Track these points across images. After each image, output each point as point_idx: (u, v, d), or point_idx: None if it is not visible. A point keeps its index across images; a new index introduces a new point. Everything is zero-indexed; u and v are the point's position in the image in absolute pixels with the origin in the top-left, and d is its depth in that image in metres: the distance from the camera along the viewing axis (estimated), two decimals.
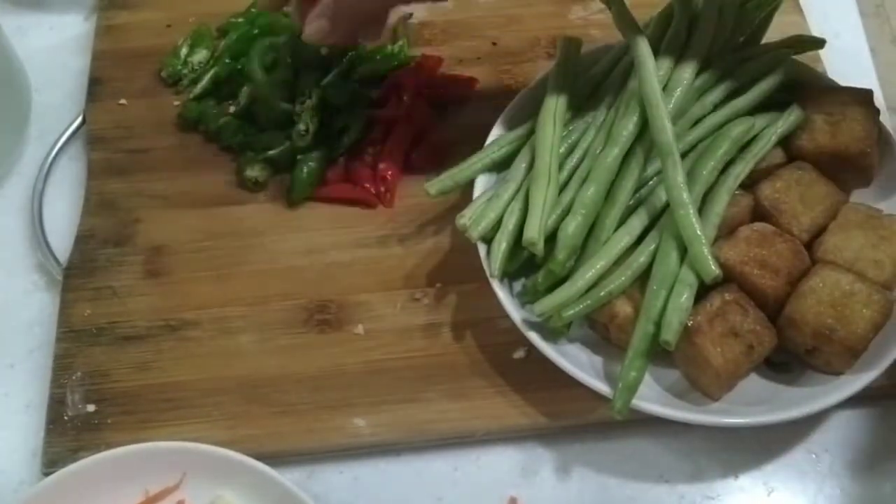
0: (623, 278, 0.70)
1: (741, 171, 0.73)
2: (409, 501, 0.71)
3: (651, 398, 0.68)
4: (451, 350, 0.75)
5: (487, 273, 0.73)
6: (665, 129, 0.71)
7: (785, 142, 0.77)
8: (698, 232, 0.68)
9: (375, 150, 0.85)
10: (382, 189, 0.83)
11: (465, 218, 0.75)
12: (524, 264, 0.74)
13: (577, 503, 0.70)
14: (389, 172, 0.84)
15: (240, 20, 0.94)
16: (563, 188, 0.74)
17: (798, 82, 0.81)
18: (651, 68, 0.73)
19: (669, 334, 0.66)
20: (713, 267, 0.67)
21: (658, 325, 0.67)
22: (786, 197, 0.73)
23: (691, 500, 0.70)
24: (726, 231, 0.72)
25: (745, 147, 0.75)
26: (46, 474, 0.69)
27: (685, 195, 0.69)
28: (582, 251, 0.72)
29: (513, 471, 0.72)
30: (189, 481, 0.68)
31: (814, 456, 0.72)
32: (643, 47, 0.74)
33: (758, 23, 0.83)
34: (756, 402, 0.69)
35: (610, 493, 0.71)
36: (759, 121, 0.76)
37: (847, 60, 0.90)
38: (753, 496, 0.70)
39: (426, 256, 0.80)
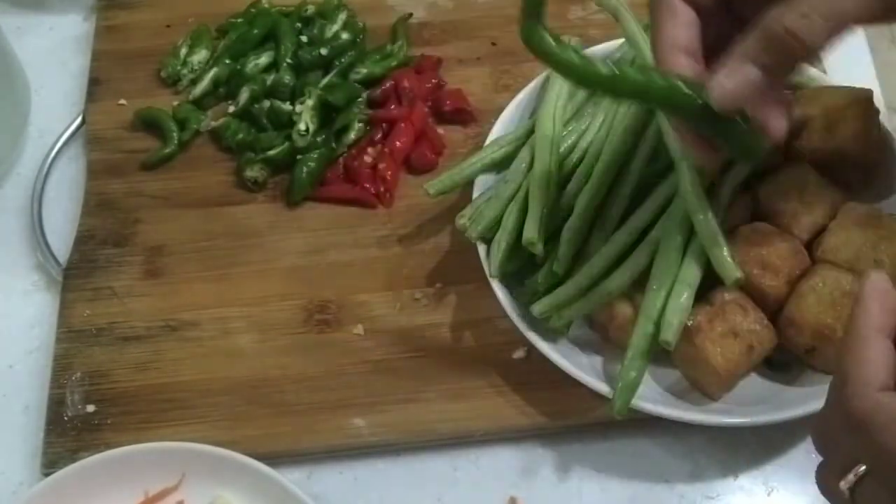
0: (623, 278, 0.70)
1: (740, 170, 0.73)
2: (408, 502, 0.71)
3: (651, 398, 0.68)
4: (451, 350, 0.75)
5: (487, 273, 0.73)
6: None
7: (785, 141, 0.77)
8: (718, 236, 0.68)
9: (375, 150, 0.85)
10: (382, 189, 0.83)
11: (464, 218, 0.75)
12: (524, 264, 0.74)
13: (577, 503, 0.70)
14: (389, 172, 0.84)
15: (239, 20, 0.94)
16: (562, 188, 0.74)
17: (797, 82, 0.81)
18: None
19: (669, 334, 0.66)
20: (735, 270, 0.67)
21: (658, 324, 0.67)
22: (785, 197, 0.73)
23: (691, 500, 0.70)
24: (726, 231, 0.71)
25: None
26: (46, 475, 0.69)
27: (702, 200, 0.69)
28: (581, 251, 0.72)
29: (513, 471, 0.72)
30: (189, 481, 0.68)
31: (814, 456, 0.71)
32: (649, 55, 0.74)
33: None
34: (756, 402, 0.69)
35: (610, 493, 0.71)
36: None
37: (847, 60, 0.90)
38: (753, 496, 0.70)
39: (426, 256, 0.80)
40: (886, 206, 0.75)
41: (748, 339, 0.68)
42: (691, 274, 0.68)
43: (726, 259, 0.67)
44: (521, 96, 0.82)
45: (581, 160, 0.76)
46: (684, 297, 0.67)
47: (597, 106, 0.79)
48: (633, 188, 0.73)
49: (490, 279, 0.72)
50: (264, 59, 0.91)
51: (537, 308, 0.70)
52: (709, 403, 0.69)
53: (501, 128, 0.81)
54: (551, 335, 0.71)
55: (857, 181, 0.77)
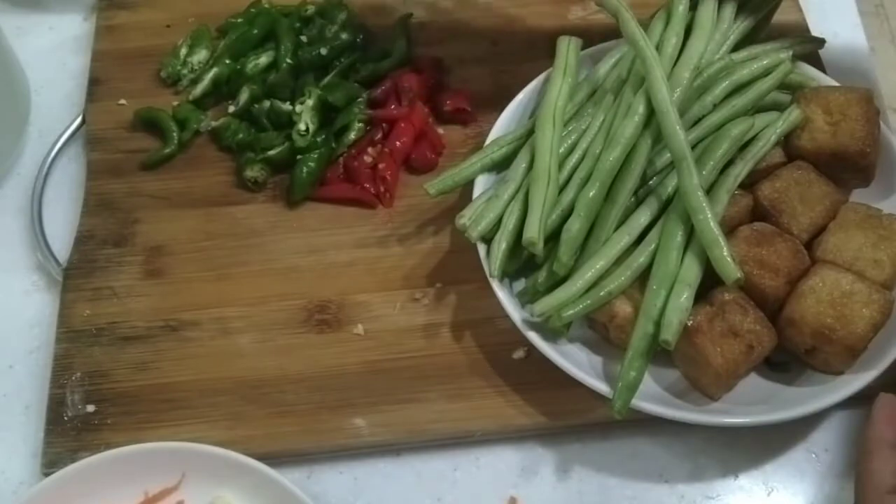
0: (623, 278, 0.70)
1: (741, 171, 0.73)
2: (408, 501, 0.71)
3: (651, 398, 0.68)
4: (450, 350, 0.75)
5: (487, 273, 0.73)
6: (677, 134, 0.71)
7: (785, 142, 0.77)
8: (718, 236, 0.68)
9: (375, 150, 0.85)
10: (382, 189, 0.83)
11: (464, 218, 0.75)
12: (524, 264, 0.74)
13: (577, 503, 0.70)
14: (389, 172, 0.84)
15: (239, 20, 0.94)
16: (562, 188, 0.74)
17: (797, 82, 0.81)
18: (660, 76, 0.73)
19: (669, 334, 0.66)
20: (735, 270, 0.67)
21: (658, 324, 0.67)
22: (785, 197, 0.73)
23: (691, 499, 0.70)
24: (726, 231, 0.71)
25: (744, 147, 0.75)
26: (46, 475, 0.69)
27: (702, 200, 0.69)
28: (581, 251, 0.72)
29: (513, 471, 0.72)
30: (189, 481, 0.68)
31: (814, 456, 0.72)
32: (649, 55, 0.74)
33: (757, 22, 0.83)
34: (756, 402, 0.69)
35: (610, 493, 0.71)
36: (759, 121, 0.76)
37: (847, 60, 0.90)
38: (753, 496, 0.70)
39: (426, 256, 0.80)
40: (886, 206, 0.75)
41: (748, 338, 0.68)
42: (691, 274, 0.68)
43: (726, 259, 0.67)
44: (521, 96, 0.82)
45: (581, 160, 0.76)
46: (684, 296, 0.67)
47: (597, 106, 0.79)
48: (634, 188, 0.73)
49: (490, 279, 0.72)
50: (264, 59, 0.91)
51: (537, 308, 0.70)
52: (709, 403, 0.69)
53: (501, 128, 0.81)
54: (551, 335, 0.71)
55: (856, 181, 0.77)
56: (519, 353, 0.74)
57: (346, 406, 0.73)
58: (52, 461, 0.71)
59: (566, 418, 0.72)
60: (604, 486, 0.71)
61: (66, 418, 0.73)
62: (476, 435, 0.72)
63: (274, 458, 0.69)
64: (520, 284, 0.75)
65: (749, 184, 0.74)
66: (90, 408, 0.73)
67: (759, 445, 0.72)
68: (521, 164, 0.76)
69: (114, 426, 0.72)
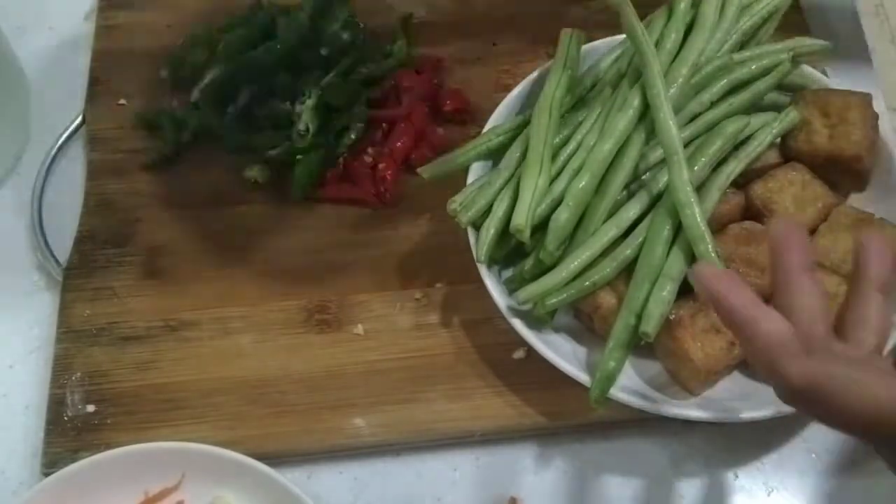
0: (608, 270, 0.70)
1: (734, 168, 0.73)
2: (408, 501, 0.71)
3: (632, 390, 0.68)
4: (450, 350, 0.75)
5: (475, 257, 0.73)
6: (670, 129, 0.71)
7: (781, 143, 0.77)
8: (704, 232, 0.68)
9: (375, 150, 0.85)
10: (382, 189, 0.83)
11: (455, 203, 0.75)
12: (513, 253, 0.74)
13: (577, 503, 0.70)
14: (389, 172, 0.84)
15: (239, 20, 0.94)
16: (554, 178, 0.74)
17: (799, 84, 0.81)
18: (656, 71, 0.73)
19: (649, 325, 0.66)
20: (719, 266, 0.67)
21: (639, 316, 0.67)
22: (778, 197, 0.73)
23: (691, 499, 0.70)
24: (716, 228, 0.71)
25: (739, 146, 0.75)
26: (46, 475, 0.69)
27: (691, 195, 0.69)
28: (570, 241, 0.72)
29: (512, 471, 0.72)
30: (189, 481, 0.68)
31: (814, 456, 0.72)
32: (647, 49, 0.74)
33: (760, 22, 0.82)
34: (736, 399, 0.69)
35: (610, 493, 0.71)
36: (756, 120, 0.76)
37: (846, 60, 0.90)
38: (753, 496, 0.71)
39: (426, 256, 0.80)
40: (882, 209, 0.75)
41: (730, 336, 0.67)
42: (676, 268, 0.69)
43: (710, 255, 0.67)
44: (521, 88, 0.82)
45: (575, 151, 0.76)
46: (667, 290, 0.68)
47: (595, 99, 0.79)
48: (626, 181, 0.73)
49: (478, 264, 0.72)
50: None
51: (522, 295, 0.70)
52: (689, 398, 0.69)
53: (499, 118, 0.81)
54: (536, 323, 0.71)
55: (852, 184, 0.77)
56: (519, 354, 0.74)
57: (346, 406, 0.73)
58: (52, 461, 0.71)
59: (566, 418, 0.72)
60: (604, 485, 0.71)
61: (66, 418, 0.73)
62: (476, 435, 0.72)
63: (274, 458, 0.69)
64: (510, 274, 0.75)
65: (743, 183, 0.74)
66: (90, 408, 0.73)
67: (759, 445, 0.72)
68: (515, 153, 0.76)
69: (114, 426, 0.73)
